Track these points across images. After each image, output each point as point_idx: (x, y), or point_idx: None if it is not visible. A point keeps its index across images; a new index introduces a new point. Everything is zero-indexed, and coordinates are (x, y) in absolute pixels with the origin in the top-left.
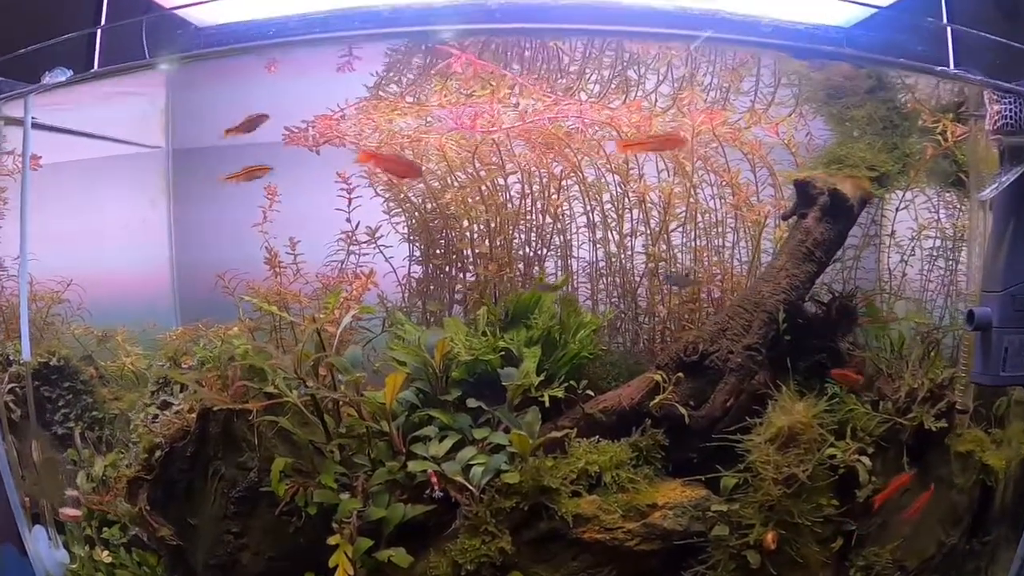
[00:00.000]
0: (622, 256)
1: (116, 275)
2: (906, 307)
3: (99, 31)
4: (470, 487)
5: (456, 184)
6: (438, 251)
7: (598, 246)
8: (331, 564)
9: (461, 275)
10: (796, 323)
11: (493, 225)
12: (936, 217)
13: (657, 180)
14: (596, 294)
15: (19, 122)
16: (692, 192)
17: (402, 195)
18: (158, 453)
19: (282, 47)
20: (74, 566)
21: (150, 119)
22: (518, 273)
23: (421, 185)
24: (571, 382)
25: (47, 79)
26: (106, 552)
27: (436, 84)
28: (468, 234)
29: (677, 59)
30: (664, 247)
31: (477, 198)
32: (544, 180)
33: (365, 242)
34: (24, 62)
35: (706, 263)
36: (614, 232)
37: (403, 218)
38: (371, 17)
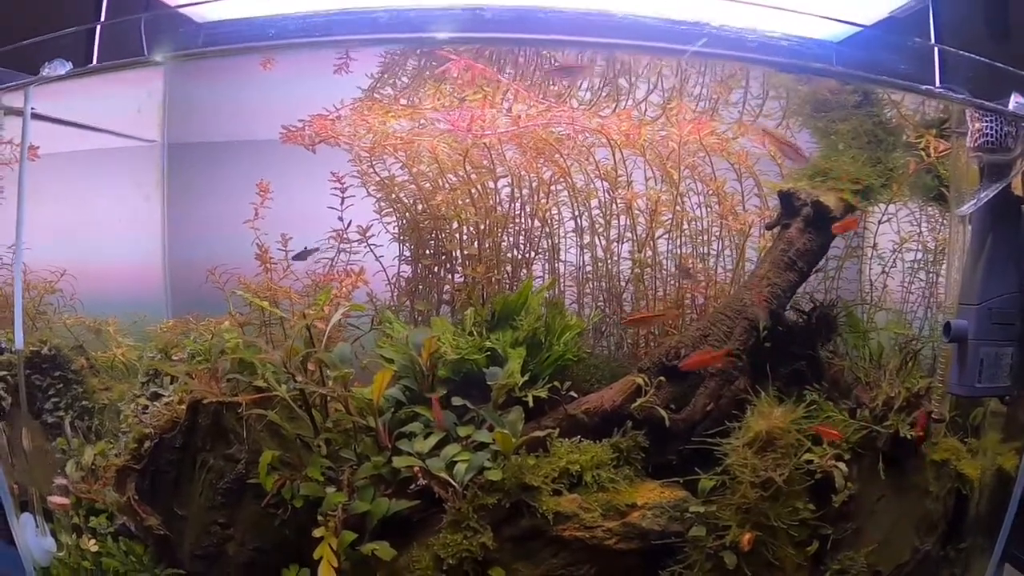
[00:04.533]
0: (608, 261)
1: (109, 266)
2: (886, 318)
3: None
4: (453, 483)
5: (447, 186)
6: (428, 251)
7: (585, 251)
8: (316, 556)
9: (450, 276)
10: (777, 330)
11: (482, 227)
12: (918, 230)
13: (644, 187)
14: (582, 298)
15: (19, 112)
16: (679, 200)
17: (393, 195)
18: (147, 443)
19: (280, 49)
20: (61, 554)
21: (146, 113)
22: (506, 275)
23: (412, 186)
24: (555, 383)
25: (47, 71)
26: (93, 541)
27: (430, 88)
28: (457, 236)
29: (667, 69)
30: (650, 253)
31: (467, 200)
32: (534, 184)
33: (356, 241)
34: (25, 53)
35: (691, 269)
36: (601, 237)
37: (394, 218)
38: (369, 23)
